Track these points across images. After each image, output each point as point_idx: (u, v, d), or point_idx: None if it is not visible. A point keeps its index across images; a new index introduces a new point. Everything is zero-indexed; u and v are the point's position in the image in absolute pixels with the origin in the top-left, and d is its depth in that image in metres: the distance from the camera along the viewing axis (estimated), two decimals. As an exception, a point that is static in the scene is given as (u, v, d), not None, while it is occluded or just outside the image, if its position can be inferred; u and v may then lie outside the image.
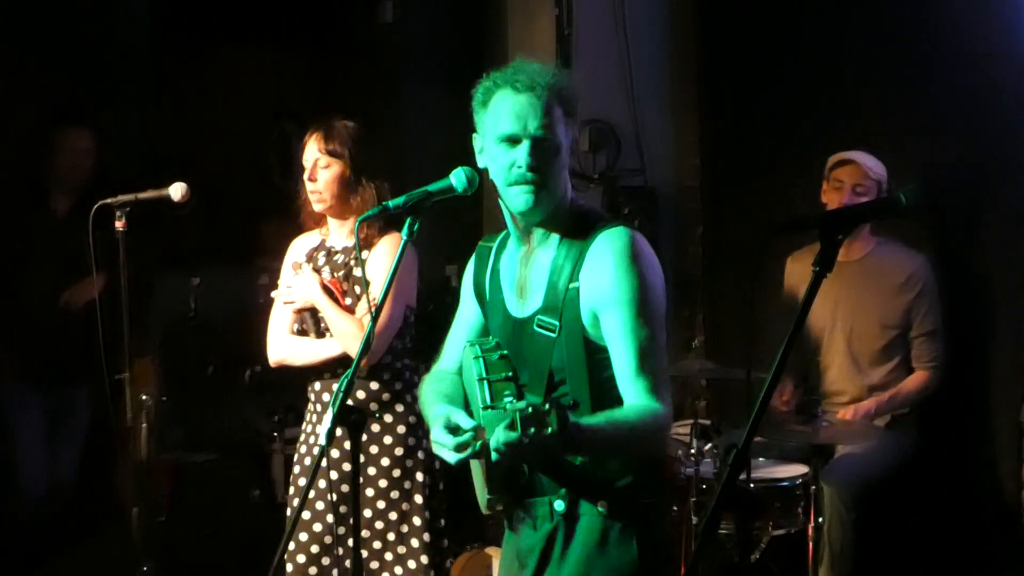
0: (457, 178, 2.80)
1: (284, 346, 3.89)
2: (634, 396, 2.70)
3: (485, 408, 2.65)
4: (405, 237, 2.77)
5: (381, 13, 6.22)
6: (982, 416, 4.98)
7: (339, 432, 3.63)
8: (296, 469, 3.94)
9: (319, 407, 3.87)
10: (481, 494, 2.85)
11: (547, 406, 2.41)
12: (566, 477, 2.79)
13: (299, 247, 3.97)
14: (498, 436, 2.45)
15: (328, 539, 3.80)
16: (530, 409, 2.40)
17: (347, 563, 3.72)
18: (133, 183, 3.95)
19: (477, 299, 3.00)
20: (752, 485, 4.31)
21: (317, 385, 3.88)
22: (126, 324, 3.91)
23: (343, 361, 3.77)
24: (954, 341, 4.80)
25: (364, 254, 3.79)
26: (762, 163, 5.68)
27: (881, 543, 4.67)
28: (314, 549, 3.83)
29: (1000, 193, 4.87)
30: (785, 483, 4.42)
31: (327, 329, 3.81)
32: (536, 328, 2.78)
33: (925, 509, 4.90)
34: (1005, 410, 4.89)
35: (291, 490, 3.98)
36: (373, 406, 3.81)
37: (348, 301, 3.80)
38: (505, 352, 2.81)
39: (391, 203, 2.77)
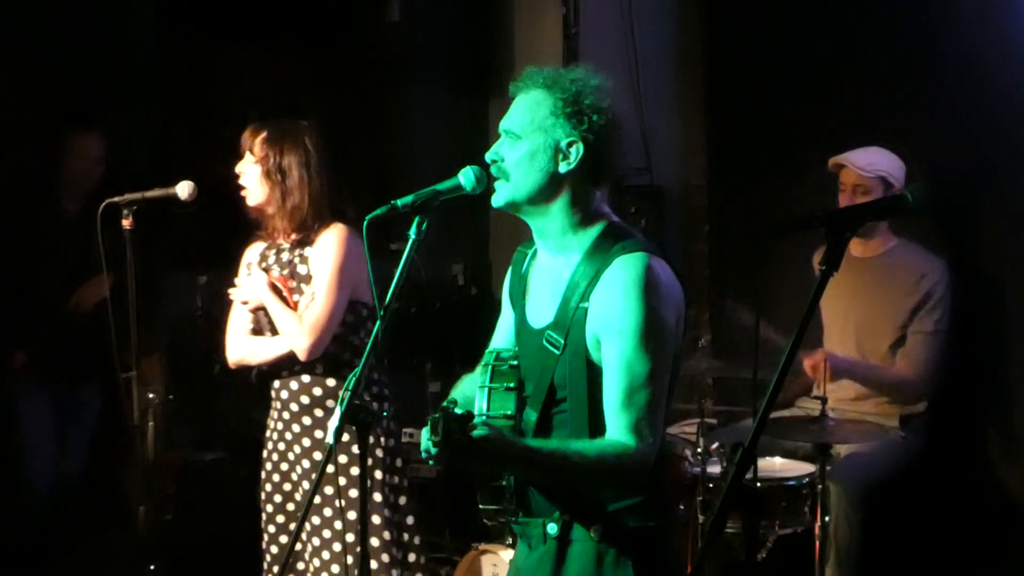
0: (466, 177, 2.79)
1: (240, 346, 3.91)
2: (612, 430, 2.66)
3: (480, 415, 2.69)
4: (413, 236, 2.77)
5: (387, 12, 6.22)
6: (991, 416, 4.97)
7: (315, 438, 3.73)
8: (268, 466, 3.93)
9: (279, 404, 3.89)
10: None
11: (437, 415, 2.46)
12: (557, 497, 2.76)
13: (254, 248, 3.99)
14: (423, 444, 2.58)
15: (337, 546, 3.81)
16: (436, 415, 2.46)
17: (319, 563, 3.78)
18: (142, 182, 3.96)
19: (512, 305, 2.98)
20: (759, 484, 4.31)
21: (276, 383, 3.89)
22: (133, 323, 3.91)
23: (299, 359, 3.78)
24: (965, 342, 4.79)
25: (308, 250, 3.81)
26: (769, 161, 5.68)
27: (888, 543, 4.66)
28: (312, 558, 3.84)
29: (1010, 193, 4.86)
30: (792, 482, 4.42)
31: None
32: (544, 342, 2.76)
33: (932, 509, 4.89)
34: (1014, 411, 4.89)
35: (263, 494, 3.97)
36: (331, 402, 3.82)
37: (296, 298, 3.81)
38: (516, 363, 2.81)
39: (399, 202, 2.77)
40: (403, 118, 6.39)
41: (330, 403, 3.82)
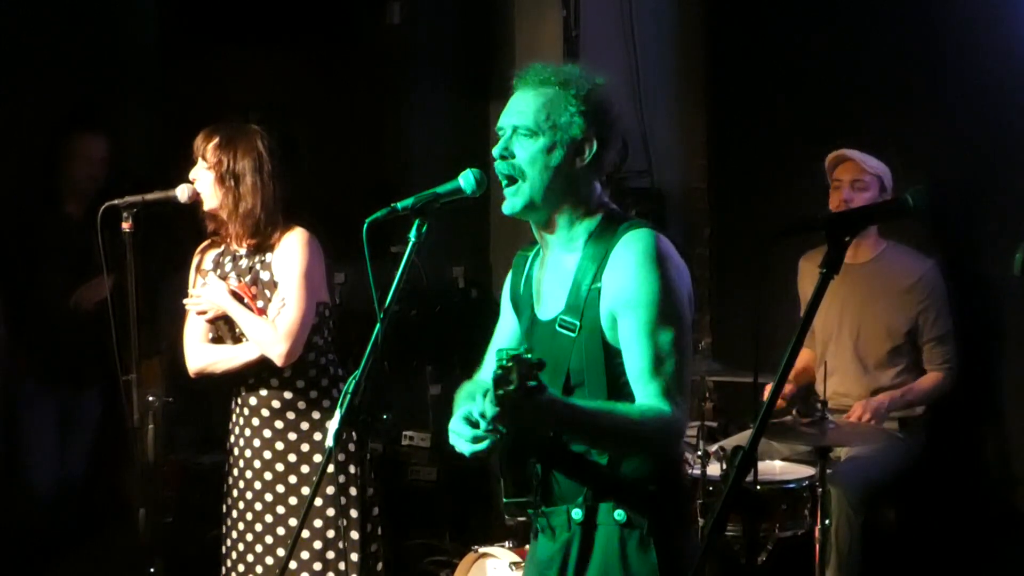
0: (466, 180, 2.79)
1: (202, 355, 3.90)
2: (644, 398, 2.68)
3: None
4: (413, 239, 2.77)
5: (388, 14, 6.23)
6: (991, 418, 4.97)
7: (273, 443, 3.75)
8: (235, 471, 3.94)
9: (246, 411, 3.88)
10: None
11: (510, 363, 2.40)
12: (585, 479, 2.77)
13: (206, 254, 3.98)
14: (479, 408, 2.53)
15: (339, 546, 3.82)
16: (500, 370, 2.40)
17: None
18: (146, 185, 3.96)
19: (514, 308, 2.99)
20: (759, 487, 4.31)
21: (242, 391, 3.89)
22: (133, 325, 3.91)
23: (266, 365, 3.78)
24: (964, 344, 4.79)
25: (268, 256, 3.80)
26: (769, 164, 5.68)
27: (888, 546, 4.66)
28: (304, 555, 3.85)
29: (1008, 194, 4.87)
30: (792, 485, 4.42)
31: (243, 334, 3.81)
32: (558, 328, 2.76)
33: (932, 511, 4.89)
34: (1014, 413, 4.89)
35: (226, 503, 3.98)
36: (301, 404, 3.84)
37: (260, 304, 3.80)
38: (529, 356, 2.81)
39: (399, 204, 2.77)
40: (404, 121, 6.40)
41: (301, 405, 3.84)
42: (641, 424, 2.65)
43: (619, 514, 2.75)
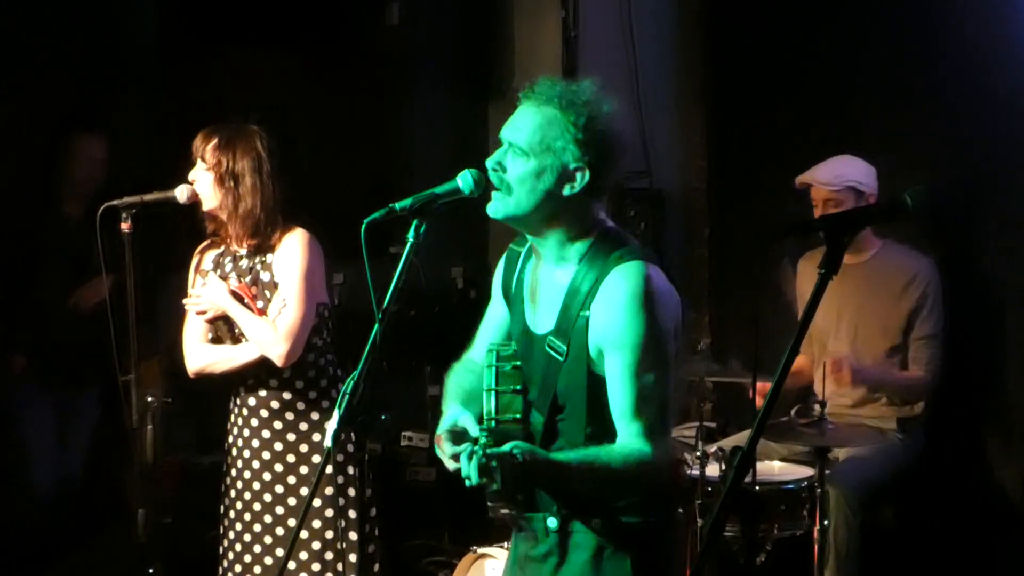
0: (464, 180, 2.80)
1: (201, 355, 3.90)
2: (626, 437, 2.71)
3: (489, 419, 2.72)
4: (411, 239, 2.77)
5: (387, 15, 6.23)
6: (990, 418, 4.97)
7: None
8: (233, 471, 3.94)
9: (245, 411, 3.88)
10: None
11: (495, 463, 2.50)
12: (558, 494, 2.80)
13: (205, 254, 3.98)
14: (464, 470, 2.61)
15: (337, 547, 3.82)
16: (484, 460, 2.51)
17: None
18: (145, 186, 3.96)
19: (505, 300, 3.01)
20: (757, 488, 4.31)
21: (241, 391, 3.89)
22: (132, 326, 3.91)
23: (265, 366, 3.79)
24: (962, 344, 4.79)
25: (269, 257, 3.81)
26: (769, 164, 5.68)
27: (887, 546, 4.66)
28: (302, 556, 3.85)
29: (1008, 194, 4.87)
30: (791, 486, 4.42)
31: (242, 334, 3.82)
32: (547, 348, 2.78)
33: (931, 512, 4.89)
34: (1014, 414, 4.89)
35: (224, 502, 3.99)
36: (300, 405, 3.84)
37: (260, 304, 3.80)
38: (519, 363, 2.82)
39: (397, 205, 2.77)
40: (404, 120, 6.40)
41: (300, 406, 3.84)
42: (623, 471, 2.69)
43: (595, 524, 2.78)
